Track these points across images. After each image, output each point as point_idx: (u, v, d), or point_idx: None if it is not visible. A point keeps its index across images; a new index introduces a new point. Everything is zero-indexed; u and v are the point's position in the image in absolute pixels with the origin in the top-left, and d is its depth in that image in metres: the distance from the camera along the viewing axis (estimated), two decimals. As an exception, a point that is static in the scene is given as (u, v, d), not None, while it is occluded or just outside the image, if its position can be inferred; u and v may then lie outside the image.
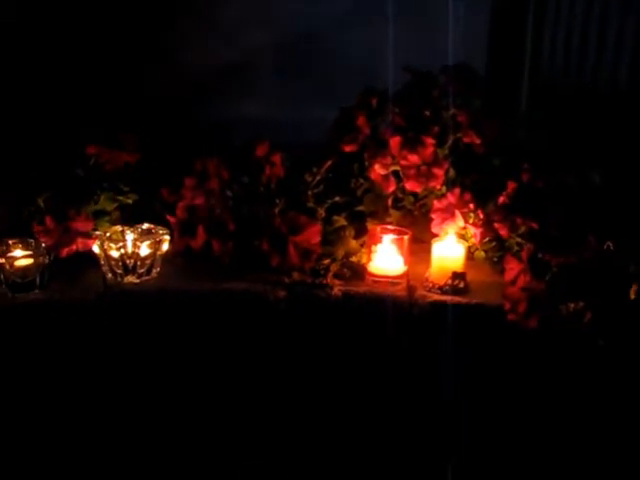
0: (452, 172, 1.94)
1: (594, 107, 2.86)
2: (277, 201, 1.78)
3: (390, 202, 1.98)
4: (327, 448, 1.78)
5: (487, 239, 1.85)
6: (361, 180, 1.99)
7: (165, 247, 1.78)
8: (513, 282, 1.66)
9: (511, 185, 1.79)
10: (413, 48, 2.86)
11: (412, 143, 1.85)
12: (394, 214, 1.99)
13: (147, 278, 1.77)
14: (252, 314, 1.75)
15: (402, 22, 3.02)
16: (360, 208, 2.00)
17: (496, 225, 1.76)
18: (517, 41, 3.18)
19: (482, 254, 1.89)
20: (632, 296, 1.58)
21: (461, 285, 1.79)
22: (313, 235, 1.71)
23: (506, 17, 3.18)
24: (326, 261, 1.83)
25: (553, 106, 3.04)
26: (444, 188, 1.91)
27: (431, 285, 1.80)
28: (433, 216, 1.86)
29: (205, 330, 1.76)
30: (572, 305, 1.62)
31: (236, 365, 1.76)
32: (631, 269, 1.58)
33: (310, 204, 1.88)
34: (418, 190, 1.90)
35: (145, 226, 1.82)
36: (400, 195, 1.98)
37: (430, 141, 1.85)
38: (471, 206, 1.83)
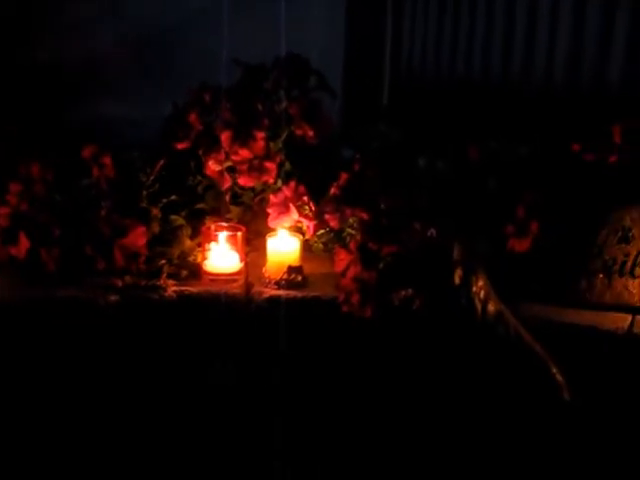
0: (288, 165, 1.92)
1: (450, 99, 2.91)
2: (103, 204, 1.73)
3: (229, 198, 1.96)
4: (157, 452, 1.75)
5: (323, 231, 1.85)
6: (199, 177, 1.96)
7: (-14, 258, 1.71)
8: (344, 273, 1.66)
9: (343, 176, 1.78)
10: (272, 40, 2.85)
11: (243, 137, 1.82)
12: (234, 210, 1.96)
13: (-30, 291, 1.70)
14: (83, 320, 1.69)
15: (261, 14, 3.00)
16: (201, 206, 1.97)
17: (327, 217, 1.75)
18: (376, 33, 3.20)
19: (320, 246, 1.89)
20: (457, 281, 1.60)
21: (298, 279, 1.78)
22: (138, 237, 1.67)
23: (363, 11, 3.20)
24: (162, 262, 1.79)
25: (412, 98, 3.08)
26: (280, 182, 1.90)
27: (268, 280, 1.78)
28: (269, 211, 1.84)
29: (35, 340, 1.69)
30: (403, 293, 1.63)
31: (69, 372, 1.71)
32: (454, 255, 1.59)
33: (144, 204, 1.84)
34: (251, 185, 1.88)
35: (-32, 237, 1.74)
36: (239, 191, 1.96)
37: (261, 135, 1.83)
38: (305, 199, 1.82)
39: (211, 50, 2.82)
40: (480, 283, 1.62)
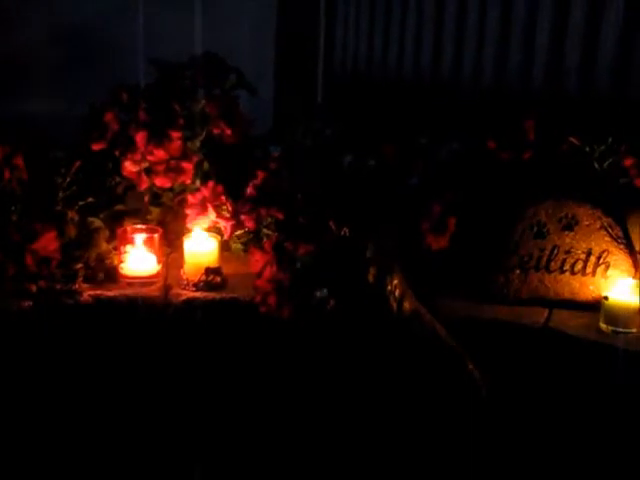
0: (206, 165, 1.90)
1: (382, 96, 2.92)
2: (14, 208, 1.69)
3: (148, 199, 1.93)
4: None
5: (242, 231, 1.83)
6: (118, 178, 1.93)
7: None
8: (260, 274, 1.65)
9: (260, 175, 1.77)
10: (201, 37, 2.82)
11: (158, 138, 1.80)
12: (154, 211, 1.94)
13: None
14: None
15: (192, 11, 2.97)
16: (120, 207, 1.94)
17: (243, 217, 1.74)
18: (309, 32, 3.20)
19: (239, 246, 1.88)
20: (371, 279, 1.60)
21: (217, 280, 1.76)
22: (50, 241, 1.64)
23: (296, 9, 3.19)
24: (78, 265, 1.76)
25: (345, 96, 3.08)
26: (198, 182, 1.88)
27: (186, 282, 1.76)
28: (188, 211, 1.82)
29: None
30: (318, 293, 1.63)
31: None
32: (368, 253, 1.59)
33: (59, 207, 1.81)
34: (169, 185, 1.86)
35: None
36: (159, 191, 1.93)
37: (176, 135, 1.80)
38: (222, 199, 1.80)
39: (136, 49, 2.78)
40: (395, 281, 1.62)
